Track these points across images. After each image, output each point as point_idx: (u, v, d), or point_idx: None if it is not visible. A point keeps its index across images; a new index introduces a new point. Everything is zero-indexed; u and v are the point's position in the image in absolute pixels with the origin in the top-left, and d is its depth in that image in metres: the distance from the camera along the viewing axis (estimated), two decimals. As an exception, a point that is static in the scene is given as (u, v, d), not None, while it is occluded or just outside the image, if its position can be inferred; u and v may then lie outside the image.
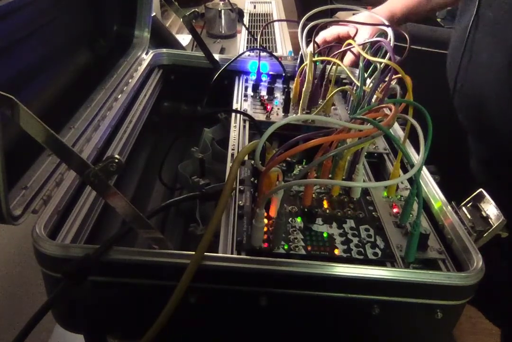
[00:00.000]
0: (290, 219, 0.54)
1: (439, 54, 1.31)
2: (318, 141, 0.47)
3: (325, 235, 0.52)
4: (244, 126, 0.72)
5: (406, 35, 0.65)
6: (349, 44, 0.70)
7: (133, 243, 0.63)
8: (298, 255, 0.49)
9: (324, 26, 0.76)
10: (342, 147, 0.52)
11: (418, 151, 0.48)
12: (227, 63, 0.88)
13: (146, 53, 0.93)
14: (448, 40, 0.90)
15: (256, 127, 0.71)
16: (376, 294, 0.46)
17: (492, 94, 0.75)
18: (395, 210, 0.57)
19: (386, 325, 0.49)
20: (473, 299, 0.48)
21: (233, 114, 0.75)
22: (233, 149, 0.66)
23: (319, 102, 0.79)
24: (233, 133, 0.70)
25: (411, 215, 0.55)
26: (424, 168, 0.62)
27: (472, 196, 0.55)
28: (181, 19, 0.89)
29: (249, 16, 1.89)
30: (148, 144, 0.88)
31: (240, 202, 0.55)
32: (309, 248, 0.50)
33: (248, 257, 0.47)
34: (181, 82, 0.94)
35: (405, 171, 0.55)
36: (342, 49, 0.72)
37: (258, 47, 0.89)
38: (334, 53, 0.73)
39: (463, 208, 0.55)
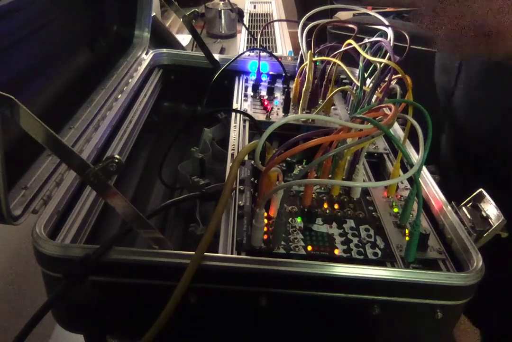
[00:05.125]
0: (290, 219, 0.54)
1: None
2: (318, 141, 0.47)
3: (324, 235, 0.52)
4: (244, 126, 0.72)
5: (406, 35, 0.65)
6: (349, 44, 0.70)
7: (133, 243, 0.63)
8: (298, 255, 0.49)
9: (324, 26, 0.75)
10: (342, 147, 0.52)
11: (418, 151, 0.48)
12: (227, 63, 0.88)
13: (146, 53, 0.93)
14: None
15: (256, 127, 0.71)
16: (376, 294, 0.46)
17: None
18: (395, 210, 0.57)
19: (386, 325, 0.49)
20: None
21: (233, 114, 0.75)
22: (233, 149, 0.66)
23: (319, 102, 0.79)
24: (233, 133, 0.70)
25: (411, 215, 0.55)
26: (424, 168, 0.62)
27: (472, 196, 0.55)
28: (181, 19, 0.89)
29: (249, 16, 1.89)
30: (148, 144, 0.88)
31: (240, 202, 0.55)
32: (309, 248, 0.50)
33: (248, 257, 0.47)
34: (181, 82, 0.94)
35: (405, 171, 0.55)
36: (342, 49, 0.72)
37: (258, 47, 0.89)
38: (334, 53, 0.73)
39: (463, 208, 0.55)
